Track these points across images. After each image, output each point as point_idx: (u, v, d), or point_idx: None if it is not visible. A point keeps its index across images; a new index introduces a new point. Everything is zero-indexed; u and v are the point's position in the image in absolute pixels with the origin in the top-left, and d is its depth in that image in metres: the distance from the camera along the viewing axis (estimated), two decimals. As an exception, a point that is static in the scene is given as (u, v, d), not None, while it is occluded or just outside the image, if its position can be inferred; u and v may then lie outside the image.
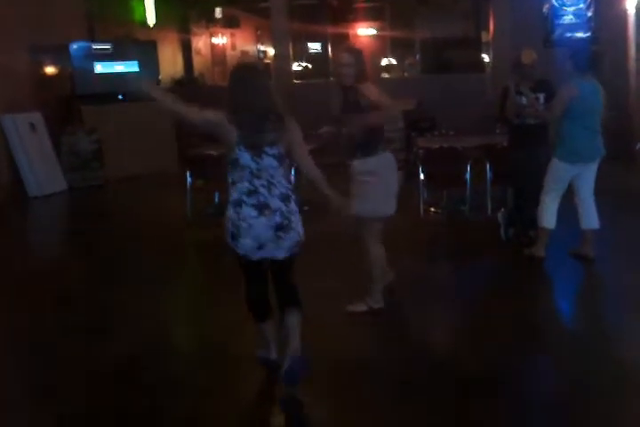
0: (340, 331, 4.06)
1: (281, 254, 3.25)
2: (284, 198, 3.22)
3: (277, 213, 3.17)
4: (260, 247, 3.19)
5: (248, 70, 3.37)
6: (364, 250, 4.26)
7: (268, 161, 3.18)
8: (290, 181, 3.42)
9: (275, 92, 3.28)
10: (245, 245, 3.19)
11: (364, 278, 4.29)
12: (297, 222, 3.26)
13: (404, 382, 3.40)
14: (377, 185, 4.10)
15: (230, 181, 3.24)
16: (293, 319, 3.33)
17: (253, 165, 3.17)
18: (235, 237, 3.18)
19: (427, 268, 5.22)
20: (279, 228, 3.18)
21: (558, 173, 5.00)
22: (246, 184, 3.18)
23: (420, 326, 4.20)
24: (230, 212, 3.20)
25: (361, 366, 3.59)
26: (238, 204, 3.18)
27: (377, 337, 4.02)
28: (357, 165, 4.17)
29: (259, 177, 3.18)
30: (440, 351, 3.86)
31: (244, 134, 3.15)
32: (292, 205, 3.26)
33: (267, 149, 3.17)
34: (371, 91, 4.01)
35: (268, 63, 15.22)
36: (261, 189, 3.18)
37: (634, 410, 3.15)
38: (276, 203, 3.18)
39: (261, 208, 3.16)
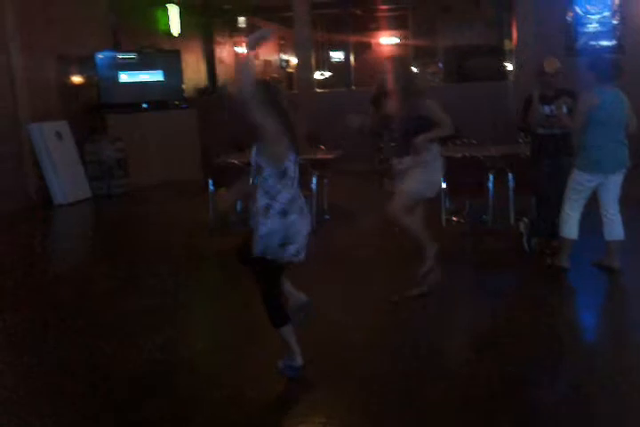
0: (350, 337, 4.05)
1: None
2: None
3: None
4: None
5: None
6: (400, 224, 4.62)
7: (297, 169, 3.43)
8: None
9: None
10: (291, 249, 3.37)
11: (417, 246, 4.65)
12: None
13: (410, 389, 3.39)
14: (426, 172, 4.58)
15: (272, 191, 3.32)
16: None
17: (295, 174, 3.40)
18: (284, 244, 3.34)
19: (447, 277, 5.17)
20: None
21: (578, 183, 4.95)
22: (291, 192, 3.37)
23: (438, 335, 4.17)
24: (276, 222, 3.32)
25: (371, 374, 3.58)
26: (284, 213, 3.34)
27: (392, 344, 4.00)
28: (408, 160, 4.56)
29: (295, 185, 3.42)
30: (455, 361, 3.83)
31: (291, 145, 3.35)
32: None
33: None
34: (434, 109, 4.48)
35: (290, 72, 15.31)
36: (298, 196, 3.45)
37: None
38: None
39: (301, 212, 3.43)
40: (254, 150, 3.41)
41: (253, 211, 3.43)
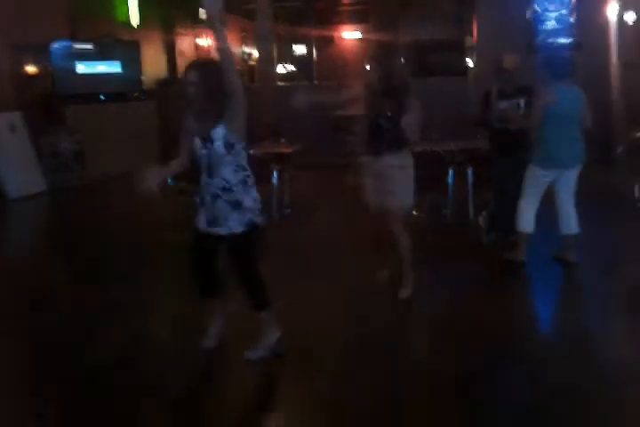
0: (321, 332, 4.03)
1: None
2: None
3: None
4: None
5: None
6: (398, 240, 4.53)
7: None
8: None
9: None
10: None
11: (402, 266, 4.60)
12: None
13: (379, 384, 3.39)
14: (410, 179, 4.45)
15: (244, 164, 3.50)
16: None
17: None
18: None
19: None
20: None
21: (534, 178, 5.02)
22: None
23: (396, 329, 4.17)
24: (254, 191, 3.52)
25: (339, 365, 3.57)
26: (254, 182, 3.55)
27: (354, 339, 3.99)
28: (389, 159, 4.38)
29: None
30: (413, 353, 3.85)
31: None
32: None
33: None
34: (410, 123, 4.30)
35: (252, 65, 15.17)
36: None
37: (613, 411, 3.15)
38: None
39: None
40: (217, 132, 3.36)
41: (219, 189, 3.44)
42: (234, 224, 3.45)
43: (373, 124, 4.42)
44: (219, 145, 3.37)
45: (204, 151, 3.43)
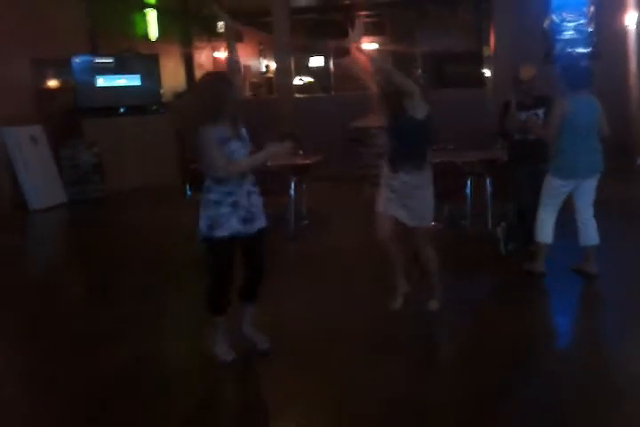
0: (329, 345, 4.02)
1: None
2: None
3: None
4: None
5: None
6: (428, 255, 4.44)
7: None
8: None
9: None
10: None
11: (430, 279, 4.52)
12: None
13: (392, 399, 3.36)
14: (425, 197, 4.34)
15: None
16: None
17: None
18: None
19: (424, 281, 5.17)
20: None
21: (552, 188, 4.98)
22: None
23: (414, 340, 4.14)
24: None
25: (350, 380, 3.55)
26: None
27: (368, 350, 3.97)
28: (404, 177, 4.25)
29: None
30: (430, 365, 3.82)
31: None
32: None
33: None
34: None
35: (270, 77, 15.27)
36: None
37: (627, 423, 3.10)
38: None
39: None
40: (244, 132, 3.62)
41: (251, 185, 3.68)
42: (263, 219, 3.73)
43: (394, 132, 4.31)
44: (248, 143, 3.62)
45: (244, 151, 3.60)
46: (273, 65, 13.82)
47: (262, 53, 16.36)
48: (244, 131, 3.63)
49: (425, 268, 4.53)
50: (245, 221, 3.61)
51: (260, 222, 3.70)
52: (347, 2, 14.01)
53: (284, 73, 11.19)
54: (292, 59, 11.43)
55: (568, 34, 9.85)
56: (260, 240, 3.73)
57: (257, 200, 3.69)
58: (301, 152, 7.84)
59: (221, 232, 3.56)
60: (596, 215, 5.05)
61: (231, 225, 3.57)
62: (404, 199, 4.30)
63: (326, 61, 15.18)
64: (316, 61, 16.04)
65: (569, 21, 9.85)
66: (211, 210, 3.57)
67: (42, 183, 8.94)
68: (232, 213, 3.57)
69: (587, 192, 4.99)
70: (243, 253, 3.73)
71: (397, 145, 4.31)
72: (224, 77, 3.63)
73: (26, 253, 7.17)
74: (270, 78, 15.34)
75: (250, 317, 3.90)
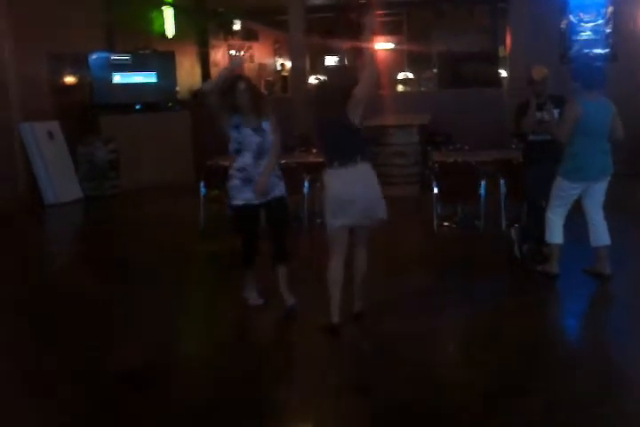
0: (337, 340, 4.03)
1: None
2: None
3: None
4: None
5: None
6: (365, 256, 4.34)
7: None
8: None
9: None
10: None
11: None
12: None
13: (405, 401, 3.37)
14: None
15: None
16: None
17: None
18: None
19: (438, 282, 5.18)
20: None
21: (561, 190, 4.96)
22: None
23: (426, 340, 4.15)
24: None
25: (361, 374, 3.56)
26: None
27: (380, 349, 3.98)
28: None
29: None
30: (442, 366, 3.82)
31: None
32: None
33: None
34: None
35: (285, 76, 15.29)
36: None
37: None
38: None
39: None
40: (266, 124, 4.30)
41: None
42: (280, 190, 4.43)
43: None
44: (268, 134, 4.30)
45: (254, 139, 4.27)
46: (288, 64, 13.84)
47: (277, 52, 16.38)
48: (266, 123, 4.30)
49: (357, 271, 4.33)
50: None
51: (274, 193, 4.36)
52: (363, 1, 14.00)
53: (298, 72, 11.21)
54: (307, 58, 11.43)
55: (585, 35, 9.78)
56: (277, 208, 4.40)
57: (272, 179, 4.35)
58: (315, 151, 7.85)
59: (237, 202, 4.36)
60: (611, 218, 5.04)
61: (244, 196, 4.31)
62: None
63: (341, 60, 15.15)
64: (332, 60, 16.02)
65: (586, 22, 9.78)
66: (229, 182, 4.37)
67: (58, 179, 9.01)
68: (243, 186, 4.30)
69: (597, 194, 4.97)
70: (266, 220, 4.46)
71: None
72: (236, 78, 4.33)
73: (39, 247, 7.23)
74: (285, 77, 15.36)
75: (282, 276, 4.45)
